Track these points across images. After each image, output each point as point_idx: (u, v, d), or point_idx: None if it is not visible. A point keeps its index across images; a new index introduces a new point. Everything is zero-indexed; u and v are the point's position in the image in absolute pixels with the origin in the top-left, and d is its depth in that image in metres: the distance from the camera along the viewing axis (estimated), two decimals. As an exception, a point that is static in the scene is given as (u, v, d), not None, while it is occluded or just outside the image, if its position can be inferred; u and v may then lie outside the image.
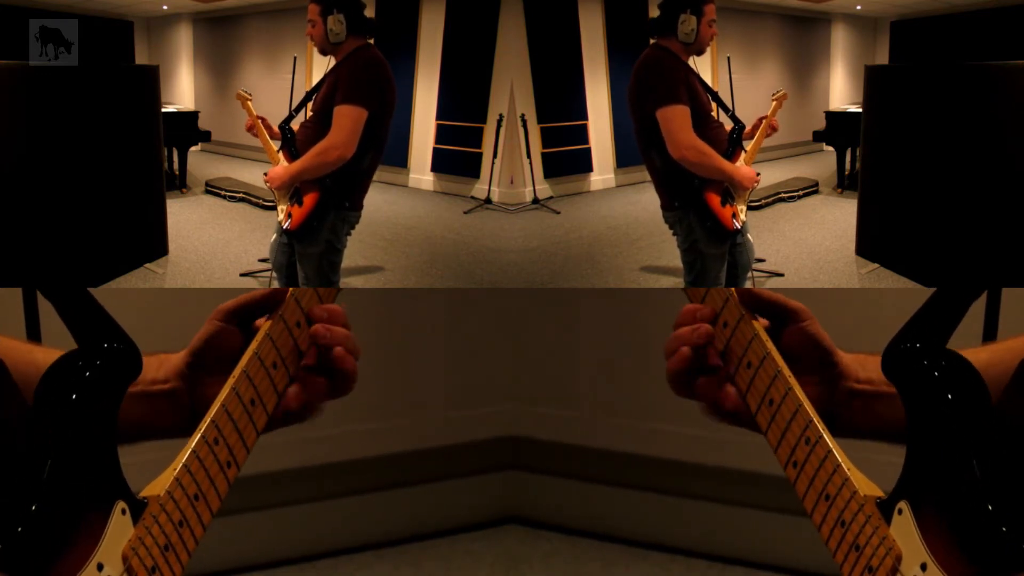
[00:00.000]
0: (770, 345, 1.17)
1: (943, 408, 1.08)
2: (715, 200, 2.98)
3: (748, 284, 3.59)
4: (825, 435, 1.12)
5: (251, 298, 1.21)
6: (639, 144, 3.06)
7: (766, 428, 1.17)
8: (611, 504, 3.71)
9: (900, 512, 1.08)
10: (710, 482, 3.52)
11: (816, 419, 1.13)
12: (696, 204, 3.00)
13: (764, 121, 3.19)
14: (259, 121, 3.19)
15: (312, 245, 3.01)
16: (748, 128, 3.17)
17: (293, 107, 3.22)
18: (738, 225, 3.04)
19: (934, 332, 1.13)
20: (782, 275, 4.53)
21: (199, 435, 1.12)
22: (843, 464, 1.10)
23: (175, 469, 1.10)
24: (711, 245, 3.04)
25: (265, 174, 3.07)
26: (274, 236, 3.15)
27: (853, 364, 1.24)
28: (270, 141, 3.19)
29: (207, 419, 1.13)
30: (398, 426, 3.70)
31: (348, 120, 2.89)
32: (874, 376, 1.21)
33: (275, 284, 3.34)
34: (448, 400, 3.80)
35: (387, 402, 3.66)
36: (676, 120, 2.89)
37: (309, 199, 2.96)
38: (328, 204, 2.97)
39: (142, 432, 1.22)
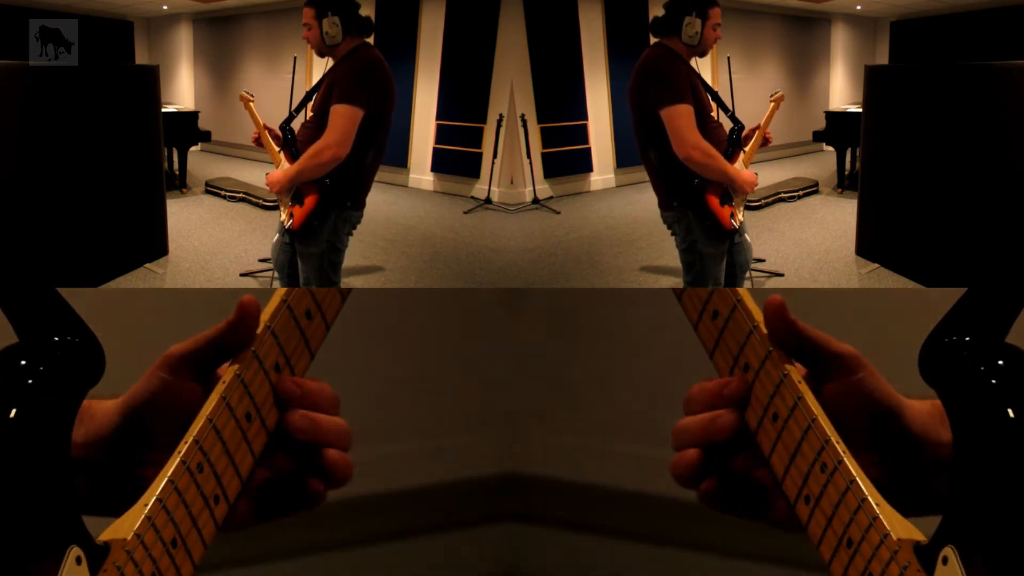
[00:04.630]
0: (763, 324, 0.95)
1: (1002, 423, 0.84)
2: (714, 200, 2.99)
3: (747, 284, 3.59)
4: (846, 459, 0.88)
5: (208, 338, 0.94)
6: (638, 143, 3.05)
7: (770, 451, 0.92)
8: (625, 559, 3.24)
9: (945, 561, 0.84)
10: (744, 532, 3.07)
11: (835, 438, 0.89)
12: (695, 203, 3.00)
13: (757, 132, 3.19)
14: (266, 132, 3.19)
15: (313, 245, 3.01)
16: (745, 131, 3.18)
17: (293, 107, 3.22)
18: (736, 224, 3.04)
19: (988, 323, 0.86)
20: (782, 275, 4.53)
21: (178, 459, 0.87)
22: (871, 498, 0.86)
23: (146, 505, 0.86)
24: (710, 244, 3.04)
25: (267, 175, 3.07)
26: (276, 236, 3.16)
27: (929, 422, 0.94)
28: (275, 149, 3.19)
29: (188, 438, 0.88)
30: (384, 459, 3.24)
31: (342, 120, 2.89)
32: None
33: (276, 284, 3.34)
34: (442, 424, 3.35)
35: (378, 427, 3.19)
36: (682, 119, 2.89)
37: (310, 199, 2.97)
38: (329, 204, 2.97)
39: None
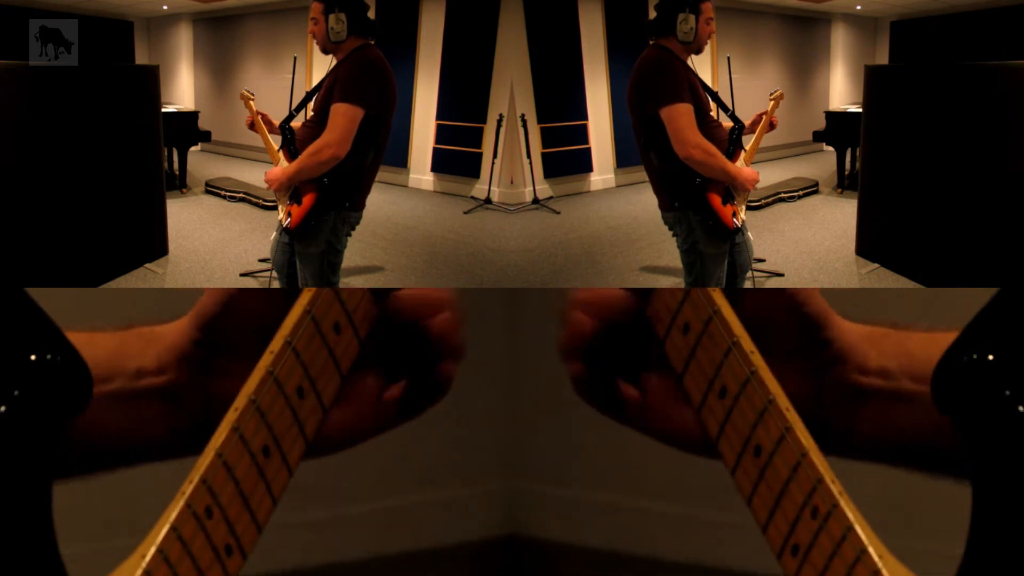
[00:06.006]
0: (758, 360, 0.80)
1: None
2: (716, 199, 2.98)
3: (748, 284, 3.59)
4: (842, 502, 0.75)
5: None
6: (639, 144, 3.05)
7: (750, 492, 0.78)
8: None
9: None
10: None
11: (829, 476, 0.76)
12: (697, 204, 2.99)
13: (764, 118, 3.19)
14: (259, 117, 3.20)
15: (312, 245, 3.01)
16: (747, 123, 3.18)
17: (294, 107, 3.22)
18: (738, 223, 3.04)
19: (1013, 340, 0.74)
20: (782, 275, 4.53)
21: (182, 502, 0.74)
22: (872, 549, 0.73)
23: (144, 557, 0.72)
24: (711, 245, 3.04)
25: (265, 173, 3.07)
26: (274, 234, 3.15)
27: (860, 344, 0.86)
28: (270, 138, 3.19)
29: (194, 477, 0.75)
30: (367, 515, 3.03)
31: (343, 119, 2.88)
32: (892, 365, 0.85)
33: (275, 284, 3.34)
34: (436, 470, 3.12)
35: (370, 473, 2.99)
36: (682, 119, 2.89)
37: (308, 198, 2.96)
38: (327, 204, 2.97)
39: (116, 454, 0.84)
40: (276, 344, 0.80)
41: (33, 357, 0.72)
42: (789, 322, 0.84)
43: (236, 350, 0.83)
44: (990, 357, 0.72)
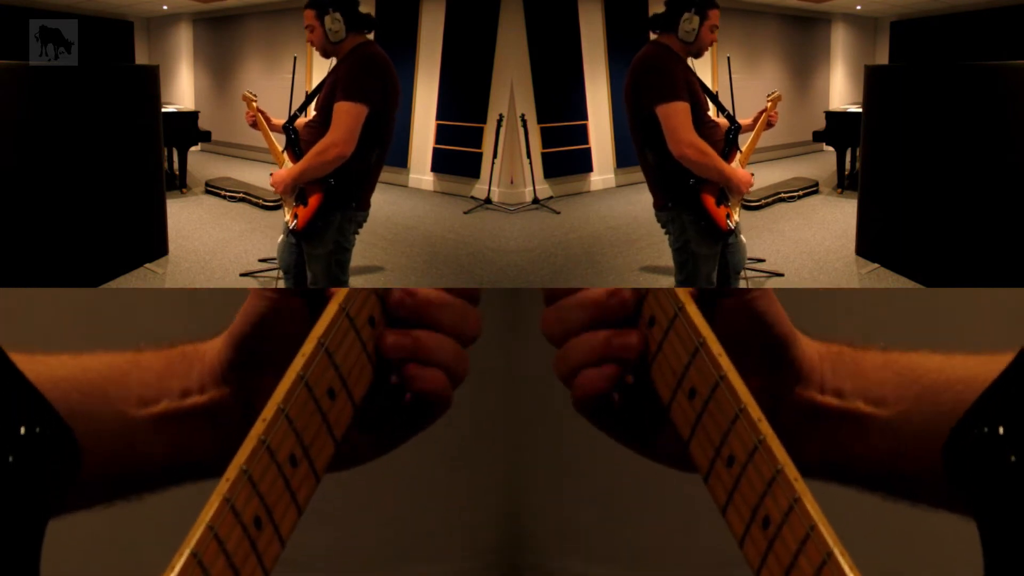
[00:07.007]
0: (765, 427, 0.77)
1: None
2: (710, 200, 2.98)
3: (742, 283, 3.59)
4: (836, 550, 0.72)
5: None
6: (635, 142, 3.05)
7: (759, 565, 0.75)
8: None
9: None
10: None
11: (839, 550, 0.72)
12: (691, 203, 2.99)
13: (763, 115, 3.19)
14: (260, 115, 3.19)
15: (320, 246, 3.00)
16: (748, 121, 3.17)
17: (296, 107, 3.22)
18: (732, 225, 3.03)
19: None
20: (782, 275, 4.53)
21: (188, 551, 0.72)
22: None
23: None
24: (703, 245, 3.03)
25: (271, 175, 3.07)
26: (281, 236, 3.15)
27: (820, 364, 0.86)
28: (272, 137, 3.19)
29: (184, 550, 0.72)
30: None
31: (347, 117, 2.88)
32: (847, 386, 0.85)
33: (280, 285, 3.34)
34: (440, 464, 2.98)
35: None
36: (677, 117, 2.88)
37: (314, 199, 2.96)
38: (333, 204, 2.96)
39: (165, 474, 0.86)
40: (269, 411, 0.77)
41: (23, 431, 0.66)
42: (756, 332, 0.83)
43: (269, 366, 0.82)
44: (1000, 430, 0.68)
